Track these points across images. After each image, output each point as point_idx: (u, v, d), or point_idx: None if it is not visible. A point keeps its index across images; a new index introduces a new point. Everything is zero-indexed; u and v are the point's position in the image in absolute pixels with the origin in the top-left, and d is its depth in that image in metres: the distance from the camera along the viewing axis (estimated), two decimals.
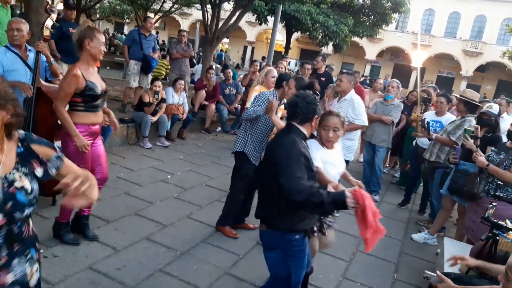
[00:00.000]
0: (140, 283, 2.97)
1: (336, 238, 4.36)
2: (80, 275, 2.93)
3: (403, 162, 6.74)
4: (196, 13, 28.04)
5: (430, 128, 4.87)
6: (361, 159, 7.29)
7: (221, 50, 25.07)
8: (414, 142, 5.81)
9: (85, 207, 3.35)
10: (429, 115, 5.32)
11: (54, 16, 4.67)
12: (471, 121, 4.35)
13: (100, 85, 3.13)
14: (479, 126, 3.96)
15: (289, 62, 22.22)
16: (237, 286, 3.18)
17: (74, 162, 1.71)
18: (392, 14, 17.24)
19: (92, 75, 3.09)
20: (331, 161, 2.86)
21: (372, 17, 17.64)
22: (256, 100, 3.71)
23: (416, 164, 5.63)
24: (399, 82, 6.25)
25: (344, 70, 5.20)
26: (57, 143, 3.65)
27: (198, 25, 21.17)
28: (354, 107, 4.68)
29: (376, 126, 5.87)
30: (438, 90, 7.04)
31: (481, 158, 3.62)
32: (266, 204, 2.42)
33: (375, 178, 5.91)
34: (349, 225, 4.77)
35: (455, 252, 3.57)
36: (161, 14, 18.59)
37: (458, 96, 4.79)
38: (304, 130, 2.40)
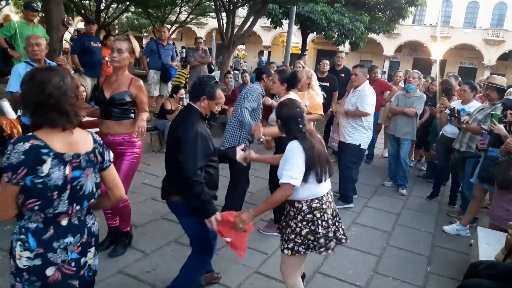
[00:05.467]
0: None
1: (365, 233, 4.32)
2: (111, 279, 2.98)
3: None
4: (211, 22, 28.29)
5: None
6: (386, 154, 7.17)
7: (238, 56, 25.21)
8: (440, 133, 5.66)
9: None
10: (455, 105, 5.19)
11: (71, 29, 4.81)
12: (501, 108, 4.22)
13: (107, 93, 3.10)
14: None
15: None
16: (266, 284, 3.17)
17: None
18: (408, 8, 16.86)
19: (108, 83, 3.17)
20: None
21: (388, 12, 17.34)
22: (250, 95, 3.88)
23: (443, 155, 5.48)
24: (420, 73, 6.13)
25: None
26: None
27: (214, 34, 21.35)
28: (362, 95, 4.78)
29: (399, 119, 5.77)
30: (460, 79, 6.88)
31: None
32: (177, 178, 2.46)
33: (402, 172, 5.80)
34: (377, 220, 4.72)
35: (490, 241, 3.46)
36: (177, 25, 18.83)
37: (488, 83, 4.63)
38: (198, 108, 2.58)
